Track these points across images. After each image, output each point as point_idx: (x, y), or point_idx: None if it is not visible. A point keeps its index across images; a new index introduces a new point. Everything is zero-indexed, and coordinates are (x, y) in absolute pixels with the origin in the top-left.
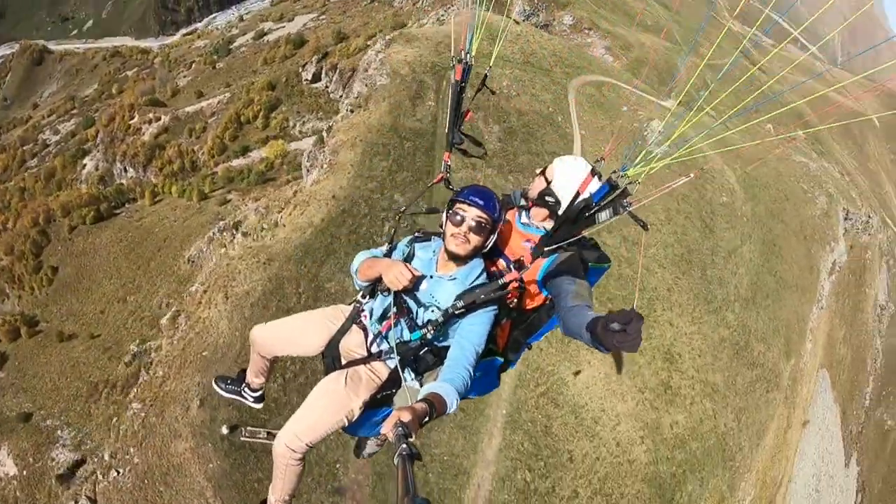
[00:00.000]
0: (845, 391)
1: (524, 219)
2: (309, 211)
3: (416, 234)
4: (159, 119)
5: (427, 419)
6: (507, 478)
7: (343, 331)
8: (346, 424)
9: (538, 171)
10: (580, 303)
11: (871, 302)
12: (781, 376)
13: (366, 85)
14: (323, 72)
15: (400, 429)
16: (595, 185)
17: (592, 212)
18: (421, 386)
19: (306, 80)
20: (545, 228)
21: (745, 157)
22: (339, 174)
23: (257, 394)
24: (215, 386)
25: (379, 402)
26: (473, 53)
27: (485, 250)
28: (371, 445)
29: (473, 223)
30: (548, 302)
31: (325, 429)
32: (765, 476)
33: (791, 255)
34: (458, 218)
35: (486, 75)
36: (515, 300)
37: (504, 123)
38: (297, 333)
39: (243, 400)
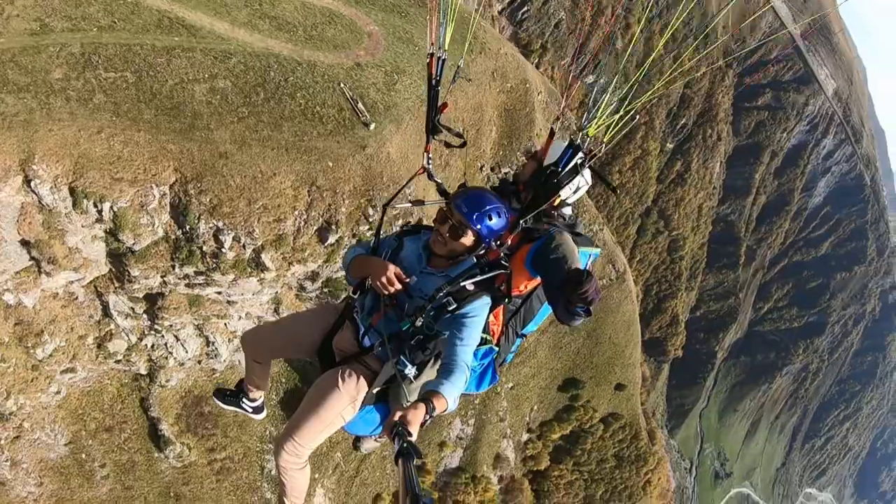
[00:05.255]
0: None
1: (514, 203)
2: None
3: (404, 227)
4: None
5: (428, 418)
6: None
7: (337, 327)
8: (345, 423)
9: (526, 154)
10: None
11: None
12: None
13: None
14: None
15: (400, 429)
16: (559, 148)
17: (559, 176)
18: (416, 378)
19: None
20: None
21: None
22: None
23: (255, 404)
24: (215, 399)
25: (375, 397)
26: (446, 47)
27: (470, 255)
28: (370, 441)
29: (450, 228)
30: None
31: (324, 431)
32: None
33: None
34: (443, 218)
35: (458, 66)
36: (504, 286)
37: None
38: (290, 333)
39: (243, 411)
